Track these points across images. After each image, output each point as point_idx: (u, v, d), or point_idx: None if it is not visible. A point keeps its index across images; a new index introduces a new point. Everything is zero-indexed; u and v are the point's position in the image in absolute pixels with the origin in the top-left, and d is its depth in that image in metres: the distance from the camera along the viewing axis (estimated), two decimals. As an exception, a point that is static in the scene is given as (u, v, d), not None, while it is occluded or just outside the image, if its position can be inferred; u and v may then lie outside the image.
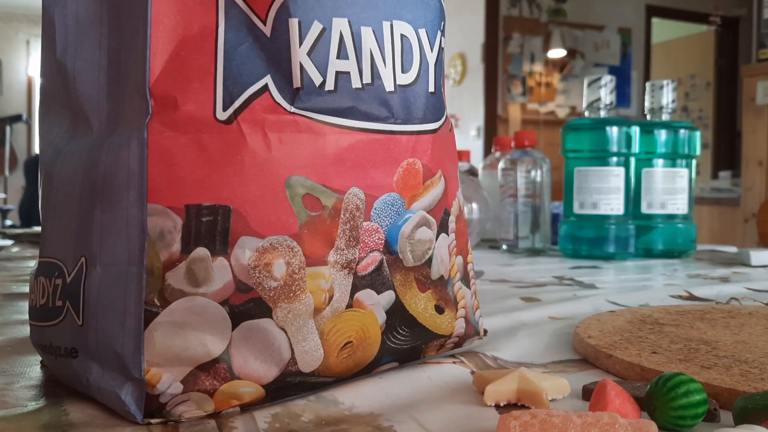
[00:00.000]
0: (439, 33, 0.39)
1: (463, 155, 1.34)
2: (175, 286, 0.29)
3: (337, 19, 0.33)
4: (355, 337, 0.34)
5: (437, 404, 0.33)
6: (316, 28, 0.33)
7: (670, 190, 1.07)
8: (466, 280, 0.42)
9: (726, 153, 5.60)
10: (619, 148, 1.01)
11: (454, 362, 0.41)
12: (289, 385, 0.32)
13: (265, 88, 0.32)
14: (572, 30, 4.84)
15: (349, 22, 0.34)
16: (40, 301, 0.35)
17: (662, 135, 1.07)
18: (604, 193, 1.01)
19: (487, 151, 4.50)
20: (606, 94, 1.03)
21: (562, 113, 4.81)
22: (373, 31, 0.35)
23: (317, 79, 0.33)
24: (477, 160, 4.27)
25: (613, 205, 1.01)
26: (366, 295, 0.35)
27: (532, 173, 1.10)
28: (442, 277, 0.39)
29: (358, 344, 0.34)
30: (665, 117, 1.09)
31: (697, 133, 1.08)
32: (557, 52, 4.75)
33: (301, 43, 0.32)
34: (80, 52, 0.33)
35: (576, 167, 1.03)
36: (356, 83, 0.34)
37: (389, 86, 0.36)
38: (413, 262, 0.37)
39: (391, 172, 0.36)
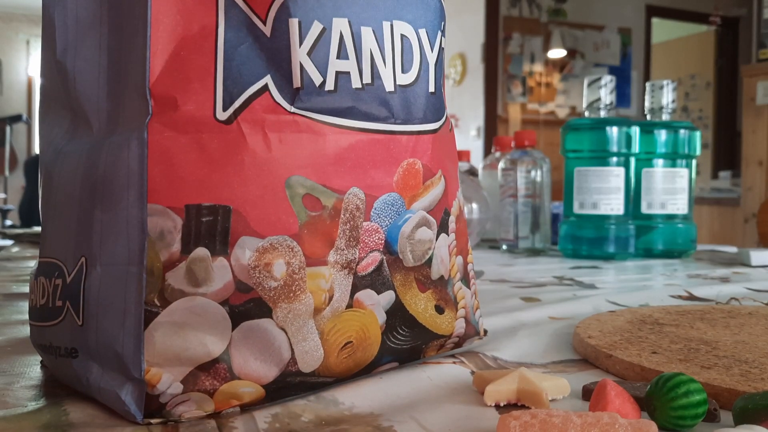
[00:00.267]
0: (439, 33, 0.39)
1: (463, 155, 1.34)
2: (175, 286, 0.29)
3: (337, 19, 0.33)
4: (355, 337, 0.34)
5: (437, 404, 0.33)
6: (316, 28, 0.33)
7: (670, 190, 1.07)
8: (466, 280, 0.42)
9: (726, 153, 5.60)
10: (619, 148, 1.01)
11: (454, 362, 0.41)
12: (289, 385, 0.32)
13: (265, 88, 0.32)
14: (572, 30, 4.84)
15: (349, 22, 0.34)
16: (40, 301, 0.35)
17: (662, 135, 1.07)
18: (604, 193, 1.01)
19: (487, 151, 4.50)
20: (606, 94, 1.04)
21: (562, 113, 4.81)
22: (373, 31, 0.35)
23: (317, 79, 0.33)
24: (477, 160, 4.28)
25: (613, 205, 1.01)
26: (366, 295, 0.35)
27: (532, 173, 1.10)
28: (442, 277, 0.39)
29: (358, 344, 0.34)
30: (665, 117, 1.09)
31: (697, 133, 1.08)
32: (557, 52, 4.75)
33: (301, 43, 0.32)
34: (80, 52, 0.33)
35: (576, 167, 1.03)
36: (356, 83, 0.34)
37: (389, 86, 0.36)
38: (413, 262, 0.37)
39: (391, 172, 0.36)
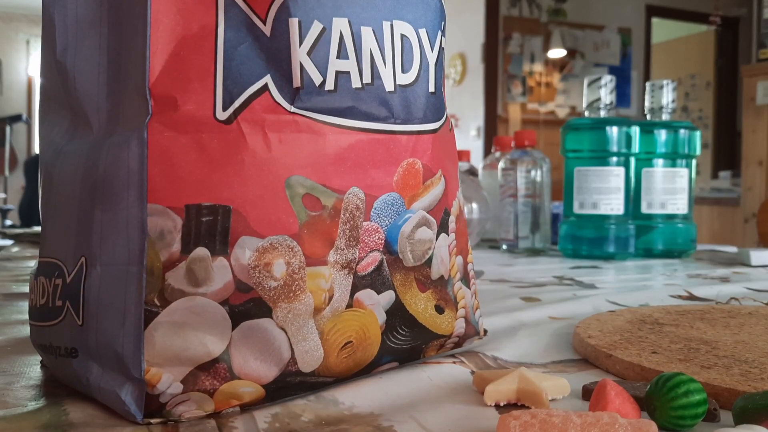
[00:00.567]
0: (439, 33, 0.39)
1: (463, 155, 1.34)
2: (175, 286, 0.29)
3: (337, 19, 0.33)
4: (355, 337, 0.34)
5: (437, 404, 0.33)
6: (316, 27, 0.33)
7: (670, 190, 1.07)
8: (466, 280, 0.42)
9: (726, 153, 5.60)
10: (619, 148, 1.01)
11: (454, 362, 0.41)
12: (289, 385, 0.32)
13: (265, 87, 0.32)
14: (572, 30, 4.84)
15: (349, 21, 0.34)
16: (40, 301, 0.35)
17: (662, 135, 1.07)
18: (604, 193, 1.01)
19: (487, 151, 4.50)
20: (606, 94, 1.04)
21: (562, 113, 4.81)
22: (373, 30, 0.35)
23: (317, 78, 0.33)
24: (477, 160, 4.27)
25: (613, 205, 1.01)
26: (366, 295, 0.35)
27: (532, 173, 1.10)
28: (442, 277, 0.39)
29: (358, 344, 0.34)
30: (665, 117, 1.09)
31: (697, 133, 1.08)
32: (557, 52, 4.75)
33: (301, 43, 0.32)
34: (80, 52, 0.33)
35: (576, 167, 1.03)
36: (356, 83, 0.34)
37: (389, 86, 0.36)
38: (413, 262, 0.37)
39: (391, 172, 0.36)
